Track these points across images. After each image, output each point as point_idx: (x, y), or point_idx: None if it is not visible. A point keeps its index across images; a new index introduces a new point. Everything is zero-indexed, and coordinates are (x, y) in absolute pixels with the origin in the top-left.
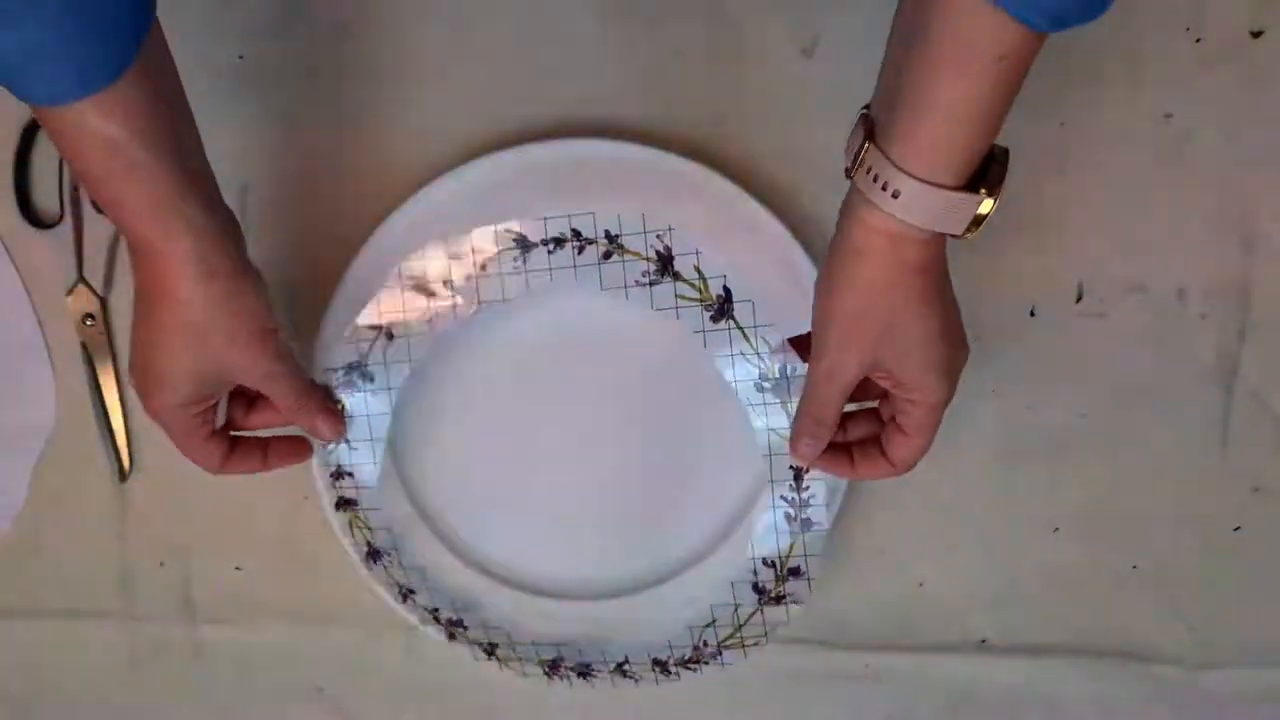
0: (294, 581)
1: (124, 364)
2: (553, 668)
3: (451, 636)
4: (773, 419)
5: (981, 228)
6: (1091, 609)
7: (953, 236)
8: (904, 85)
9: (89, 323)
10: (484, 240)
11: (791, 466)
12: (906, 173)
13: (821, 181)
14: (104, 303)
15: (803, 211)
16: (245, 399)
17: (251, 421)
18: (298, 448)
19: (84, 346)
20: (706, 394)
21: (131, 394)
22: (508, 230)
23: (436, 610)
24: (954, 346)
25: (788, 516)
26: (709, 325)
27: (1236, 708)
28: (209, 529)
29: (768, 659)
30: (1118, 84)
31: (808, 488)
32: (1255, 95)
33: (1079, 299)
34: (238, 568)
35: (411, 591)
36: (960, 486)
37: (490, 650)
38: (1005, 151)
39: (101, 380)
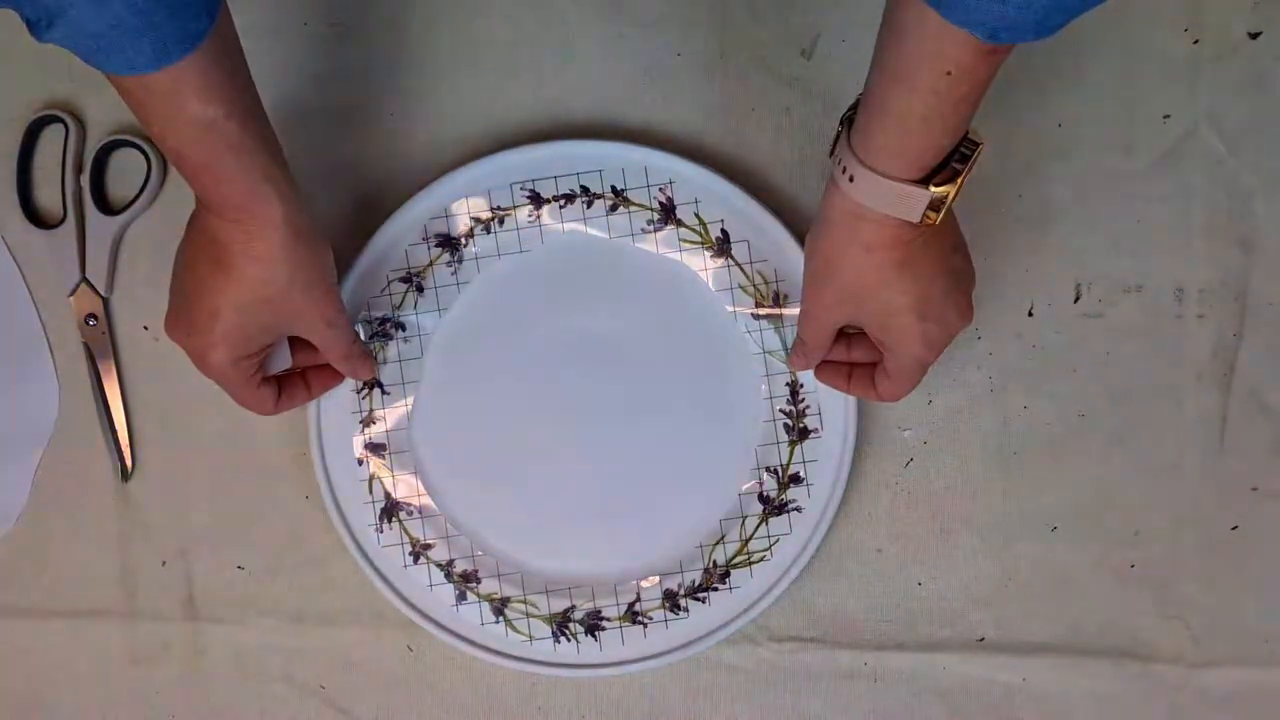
0: (295, 581)
1: (126, 364)
2: (562, 625)
3: (462, 596)
4: (769, 342)
5: (942, 214)
6: (1090, 607)
7: (911, 222)
8: (867, 88)
9: (91, 323)
10: (501, 198)
11: (788, 383)
12: (860, 161)
13: (820, 182)
14: (106, 303)
15: (802, 212)
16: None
17: (296, 361)
18: (332, 374)
19: (86, 346)
20: (710, 328)
21: (133, 394)
22: (521, 187)
23: (451, 563)
24: (927, 320)
25: (786, 427)
26: (710, 264)
27: (1234, 706)
28: (210, 528)
29: (766, 657)
30: (1116, 84)
31: (803, 400)
32: (1253, 96)
33: (1077, 299)
34: (239, 567)
35: (427, 547)
36: (959, 485)
37: (500, 609)
38: (976, 145)
39: (104, 380)
